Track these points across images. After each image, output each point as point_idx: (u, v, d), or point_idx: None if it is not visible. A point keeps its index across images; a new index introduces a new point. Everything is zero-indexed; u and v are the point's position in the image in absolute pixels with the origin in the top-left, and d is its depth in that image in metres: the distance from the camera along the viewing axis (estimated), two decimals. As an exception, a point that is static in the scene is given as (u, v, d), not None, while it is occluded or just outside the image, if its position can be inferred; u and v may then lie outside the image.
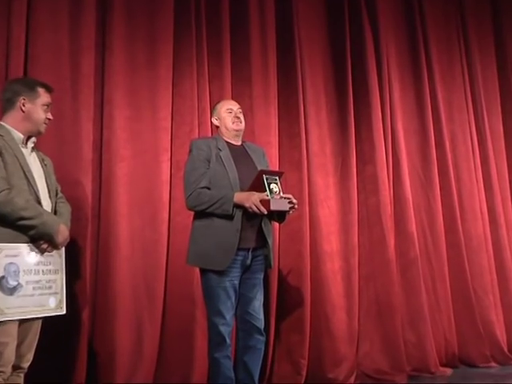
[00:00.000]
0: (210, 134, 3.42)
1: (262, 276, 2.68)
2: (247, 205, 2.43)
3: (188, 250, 2.58)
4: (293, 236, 3.56)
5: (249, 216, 2.47)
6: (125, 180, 3.21)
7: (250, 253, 2.56)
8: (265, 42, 3.68)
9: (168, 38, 3.40)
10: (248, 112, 3.53)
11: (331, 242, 3.66)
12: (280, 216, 2.65)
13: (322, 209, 3.66)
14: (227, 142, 2.71)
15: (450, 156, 4.05)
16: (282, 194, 2.48)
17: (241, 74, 3.61)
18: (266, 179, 2.44)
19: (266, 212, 2.42)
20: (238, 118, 2.70)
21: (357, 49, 3.93)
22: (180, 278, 3.26)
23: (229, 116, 2.70)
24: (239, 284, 2.58)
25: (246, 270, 2.61)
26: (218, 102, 2.84)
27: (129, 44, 3.32)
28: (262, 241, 2.58)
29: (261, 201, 2.43)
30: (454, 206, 3.94)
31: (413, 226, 3.84)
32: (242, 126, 2.71)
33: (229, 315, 2.51)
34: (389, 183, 3.84)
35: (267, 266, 2.63)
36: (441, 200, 3.93)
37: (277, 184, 2.46)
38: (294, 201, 2.53)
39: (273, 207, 2.42)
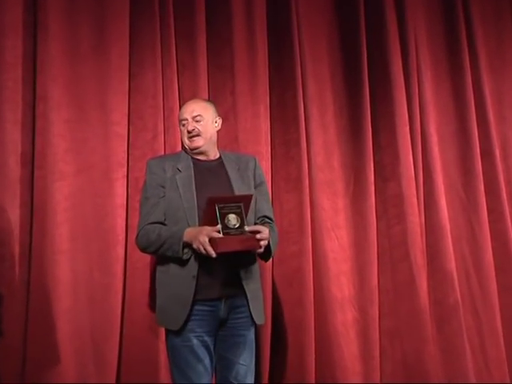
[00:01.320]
0: (178, 143, 3.43)
1: (250, 333, 2.68)
2: (194, 246, 2.48)
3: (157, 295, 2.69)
4: (290, 278, 3.58)
5: (213, 257, 2.47)
6: (65, 205, 3.23)
7: (223, 303, 2.60)
8: (251, 21, 3.71)
9: (123, 14, 3.42)
10: (230, 113, 3.55)
11: (342, 286, 3.66)
12: (263, 252, 2.63)
13: (329, 241, 3.68)
14: (194, 159, 2.74)
15: (500, 168, 4.05)
16: (245, 227, 2.47)
17: (220, 62, 3.64)
18: (220, 209, 2.43)
19: (213, 255, 2.43)
20: (191, 132, 2.72)
21: (375, 29, 3.95)
22: (140, 337, 3.27)
23: (183, 130, 2.76)
24: (215, 342, 2.60)
25: (222, 324, 2.62)
26: (180, 108, 2.89)
27: (69, 22, 3.34)
28: (239, 288, 2.60)
29: (210, 239, 2.46)
30: (508, 236, 3.94)
31: (452, 264, 3.84)
32: (200, 142, 2.72)
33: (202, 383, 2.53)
34: (418, 206, 3.86)
35: (254, 321, 2.64)
36: (489, 228, 3.94)
37: (238, 214, 2.45)
38: (260, 236, 2.50)
39: (220, 248, 2.42)
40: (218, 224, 2.42)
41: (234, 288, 2.59)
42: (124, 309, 3.29)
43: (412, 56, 4.01)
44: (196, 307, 2.55)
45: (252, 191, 2.72)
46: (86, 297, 3.23)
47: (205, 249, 2.43)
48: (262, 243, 2.52)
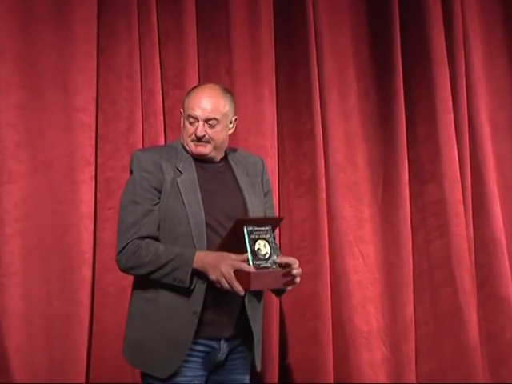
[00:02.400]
0: (161, 135, 3.43)
1: (246, 379, 2.71)
2: (213, 277, 2.45)
3: (124, 336, 2.65)
4: (303, 306, 3.59)
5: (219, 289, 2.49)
6: (16, 214, 3.22)
7: (222, 344, 2.61)
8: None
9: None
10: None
11: (368, 317, 3.67)
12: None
13: (351, 259, 3.68)
14: (195, 158, 2.69)
15: None
16: (275, 257, 2.47)
17: (212, 32, 3.63)
18: (249, 233, 2.43)
19: (242, 292, 2.43)
20: (200, 138, 2.63)
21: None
22: (111, 381, 3.26)
23: (189, 128, 2.67)
24: None
25: (217, 367, 2.63)
26: (192, 90, 2.75)
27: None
28: (244, 327, 2.61)
29: (236, 272, 2.43)
30: None
31: (509, 289, 3.83)
32: (207, 150, 2.66)
33: None
34: (465, 215, 3.86)
35: (253, 365, 2.68)
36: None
37: (268, 241, 2.46)
38: (296, 271, 2.51)
39: (254, 286, 2.42)
40: (245, 251, 2.41)
41: (239, 328, 2.61)
42: (91, 346, 3.29)
43: (457, 24, 3.98)
44: (190, 346, 2.53)
45: (263, 204, 2.75)
46: (43, 331, 3.21)
47: (230, 284, 2.41)
48: (297, 280, 2.52)
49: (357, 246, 3.72)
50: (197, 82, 3.46)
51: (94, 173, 3.35)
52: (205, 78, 3.51)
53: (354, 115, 3.83)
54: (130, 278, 2.67)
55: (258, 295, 2.66)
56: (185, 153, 2.68)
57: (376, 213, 3.80)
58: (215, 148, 2.66)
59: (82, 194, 3.31)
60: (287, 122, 3.72)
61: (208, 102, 2.63)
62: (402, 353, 3.68)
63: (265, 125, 3.62)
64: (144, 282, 2.58)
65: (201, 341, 2.55)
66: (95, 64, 3.39)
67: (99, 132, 3.40)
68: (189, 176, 2.61)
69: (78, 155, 3.32)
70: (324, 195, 3.64)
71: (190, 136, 2.64)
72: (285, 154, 3.71)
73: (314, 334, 3.54)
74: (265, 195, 2.79)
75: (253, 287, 2.41)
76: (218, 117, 2.62)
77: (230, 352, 2.62)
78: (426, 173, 3.85)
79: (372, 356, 3.63)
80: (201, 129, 2.61)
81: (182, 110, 2.71)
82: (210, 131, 2.62)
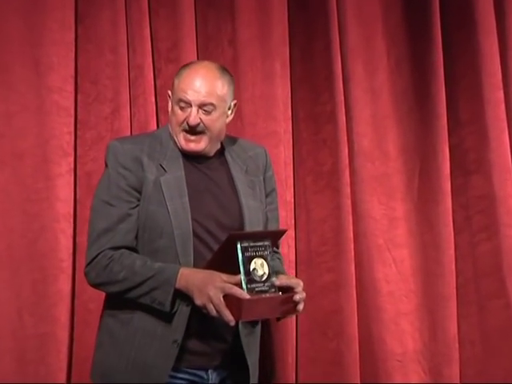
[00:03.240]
0: (153, 119, 3.43)
1: None
2: (199, 302, 2.43)
3: (93, 358, 2.72)
4: (324, 323, 3.60)
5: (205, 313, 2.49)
6: (-20, 215, 3.24)
7: (211, 374, 2.65)
8: None
9: None
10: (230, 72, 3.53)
11: (403, 335, 3.67)
12: None
13: (382, 266, 3.69)
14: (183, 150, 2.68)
15: None
16: (274, 278, 2.46)
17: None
18: (243, 250, 2.42)
19: (232, 323, 2.41)
20: (193, 127, 2.60)
21: None
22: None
23: (179, 115, 2.63)
24: None
25: None
26: (183, 69, 2.72)
27: None
28: (237, 355, 2.63)
29: (227, 297, 2.40)
30: None
31: None
32: (201, 145, 2.63)
33: None
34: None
35: None
36: None
37: (266, 259, 2.44)
38: (298, 297, 2.49)
39: (246, 316, 2.41)
40: (238, 272, 2.39)
41: (231, 356, 2.63)
42: (70, 372, 3.30)
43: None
44: (172, 373, 2.54)
45: (262, 209, 2.74)
46: (14, 355, 3.22)
47: (218, 311, 2.39)
48: (300, 308, 2.50)
49: (388, 250, 3.72)
50: (194, 57, 3.45)
51: (72, 165, 3.35)
52: (204, 51, 3.51)
53: (384, 93, 3.83)
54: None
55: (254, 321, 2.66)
56: (171, 145, 2.66)
57: (411, 210, 3.80)
58: (211, 140, 2.64)
59: (58, 191, 3.31)
60: (303, 102, 3.72)
61: (203, 84, 2.60)
62: (444, 378, 3.68)
63: (276, 106, 3.62)
64: (117, 300, 2.59)
65: (184, 369, 2.56)
66: (73, 35, 3.39)
67: (78, 117, 3.40)
68: (174, 175, 2.60)
69: (53, 144, 3.32)
70: (348, 190, 3.64)
71: (180, 124, 2.62)
72: (301, 140, 3.71)
73: (337, 356, 3.56)
74: (267, 196, 2.79)
75: (245, 317, 2.40)
76: (214, 102, 2.60)
77: (220, 382, 2.64)
78: (470, 162, 3.86)
79: (408, 381, 3.64)
80: (194, 116, 2.59)
81: (170, 93, 2.69)
82: (205, 119, 2.60)
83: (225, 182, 2.69)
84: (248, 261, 2.41)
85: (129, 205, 2.57)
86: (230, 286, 2.39)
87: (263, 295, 2.42)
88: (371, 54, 3.83)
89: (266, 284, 2.43)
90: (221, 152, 2.74)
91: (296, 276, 2.71)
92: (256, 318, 2.50)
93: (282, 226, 3.00)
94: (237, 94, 3.49)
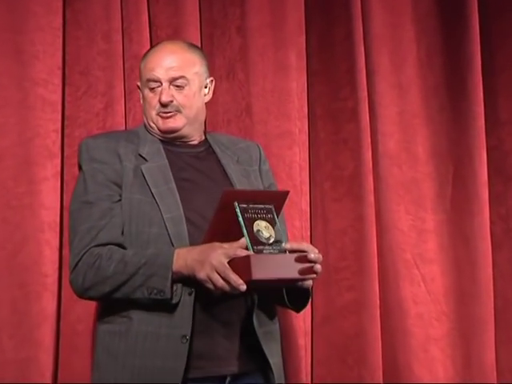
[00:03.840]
0: None
1: None
2: (202, 275, 2.42)
3: (91, 374, 2.72)
4: (344, 349, 3.59)
5: (214, 299, 2.49)
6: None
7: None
8: None
9: None
10: (236, 64, 3.58)
11: (434, 363, 3.65)
12: (293, 292, 2.61)
13: (409, 285, 3.68)
14: (166, 142, 2.72)
15: None
16: (282, 242, 2.45)
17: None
18: (243, 211, 2.42)
19: (242, 286, 2.37)
20: (167, 105, 2.67)
21: None
22: None
23: (151, 98, 2.70)
24: None
25: None
26: (147, 52, 2.81)
27: None
28: (257, 357, 2.60)
29: (232, 262, 2.39)
30: None
31: None
32: (179, 122, 2.69)
33: None
34: None
35: None
36: None
37: (270, 221, 2.44)
38: (314, 256, 2.45)
39: (258, 274, 2.35)
40: (242, 235, 2.39)
41: (249, 359, 2.60)
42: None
43: None
44: None
45: None
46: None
47: (225, 278, 2.37)
48: (318, 268, 2.45)
49: (417, 266, 3.71)
50: (198, 44, 3.43)
51: (59, 168, 3.36)
52: (208, 39, 3.53)
53: (413, 88, 3.83)
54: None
55: (269, 309, 2.64)
56: (150, 136, 2.72)
57: (443, 222, 3.79)
58: (188, 120, 2.71)
59: (42, 197, 3.31)
60: (321, 97, 3.73)
61: (171, 59, 2.70)
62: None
63: (291, 102, 3.62)
64: (111, 310, 2.59)
65: (195, 378, 2.52)
66: (60, 20, 3.40)
67: (66, 113, 3.42)
68: (157, 163, 2.65)
69: (38, 144, 3.32)
70: (372, 198, 3.64)
71: (154, 108, 2.69)
72: (318, 141, 3.71)
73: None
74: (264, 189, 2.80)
75: (256, 275, 2.34)
76: (186, 75, 2.69)
77: None
78: (511, 167, 3.86)
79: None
80: (166, 92, 2.67)
81: (138, 83, 2.77)
82: (178, 96, 2.68)
83: (215, 171, 2.72)
84: (250, 223, 2.41)
85: (110, 199, 2.59)
86: (233, 248, 2.39)
87: (270, 254, 2.42)
88: (399, 43, 3.83)
89: (275, 247, 2.43)
90: (206, 144, 2.78)
91: (311, 295, 2.66)
92: (269, 279, 2.40)
93: (296, 238, 2.99)
94: (245, 89, 3.59)
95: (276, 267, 2.41)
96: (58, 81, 3.38)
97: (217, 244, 2.42)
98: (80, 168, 2.67)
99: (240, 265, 2.36)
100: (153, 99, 2.68)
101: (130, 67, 3.44)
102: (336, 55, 3.73)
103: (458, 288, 3.76)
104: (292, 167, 3.50)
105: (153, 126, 2.71)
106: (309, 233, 3.61)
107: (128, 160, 2.62)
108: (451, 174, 3.82)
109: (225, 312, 2.52)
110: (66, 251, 3.28)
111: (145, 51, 3.35)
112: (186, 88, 2.68)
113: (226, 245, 2.41)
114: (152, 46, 2.86)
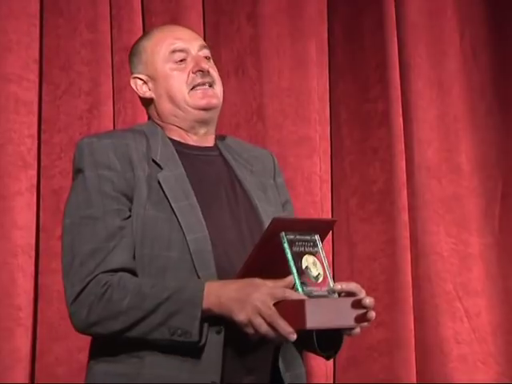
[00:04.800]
0: (144, 119, 3.35)
1: None
2: (242, 317, 2.39)
3: None
4: None
5: (244, 344, 2.46)
6: None
7: None
8: None
9: None
10: (247, 58, 3.60)
11: None
12: (326, 339, 2.58)
13: (450, 320, 3.70)
14: (175, 142, 2.70)
15: None
16: (330, 281, 2.43)
17: None
18: (290, 243, 2.40)
19: (293, 336, 2.35)
20: (206, 74, 2.66)
21: None
22: None
23: (182, 69, 2.67)
24: None
25: None
26: (146, 35, 2.79)
27: None
28: None
29: (278, 305, 2.36)
30: None
31: None
32: (215, 99, 2.68)
33: None
34: None
35: None
36: None
37: (317, 256, 2.43)
38: (368, 301, 2.41)
39: (312, 322, 2.33)
40: (283, 276, 2.36)
41: None
42: None
43: None
44: None
45: (281, 214, 2.71)
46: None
47: (271, 324, 2.35)
48: (372, 316, 2.43)
49: (459, 299, 3.72)
50: (200, 33, 3.44)
51: (35, 180, 3.39)
52: (214, 29, 3.58)
53: (455, 87, 3.86)
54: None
55: (295, 351, 2.64)
56: (160, 137, 2.69)
57: (490, 246, 3.82)
58: (219, 101, 2.71)
59: (15, 216, 3.33)
60: (347, 98, 3.76)
61: (188, 30, 2.77)
62: None
63: (310, 104, 3.65)
64: (113, 347, 2.53)
65: None
66: (37, 6, 3.43)
67: (44, 115, 3.45)
68: (173, 172, 2.61)
69: (10, 152, 3.35)
70: (406, 217, 3.67)
71: (184, 83, 2.66)
72: (343, 150, 3.74)
73: None
74: (282, 207, 2.80)
75: (311, 324, 2.32)
76: (209, 53, 2.73)
77: None
78: None
79: None
80: (201, 58, 2.68)
81: (138, 75, 2.71)
82: (211, 68, 2.70)
83: (230, 182, 2.72)
84: (298, 258, 2.39)
85: (119, 215, 2.53)
86: (281, 289, 2.37)
87: (326, 298, 2.43)
88: (438, 34, 3.86)
89: (324, 288, 2.42)
90: (215, 147, 2.77)
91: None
92: (323, 327, 2.41)
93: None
94: (257, 87, 3.60)
95: (331, 314, 2.41)
96: (33, 77, 3.41)
97: (259, 281, 2.40)
98: (77, 174, 2.59)
99: (290, 310, 2.36)
100: (182, 74, 2.66)
101: (119, 61, 3.47)
102: (364, 48, 3.76)
103: (507, 325, 3.78)
104: (311, 180, 3.53)
105: (185, 107, 2.67)
106: (331, 259, 3.63)
107: (141, 168, 2.57)
108: (499, 189, 3.86)
109: (250, 354, 2.51)
110: (43, 280, 3.32)
111: (134, 39, 3.41)
112: (212, 62, 2.72)
113: (269, 282, 2.39)
114: (149, 32, 2.83)
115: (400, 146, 3.68)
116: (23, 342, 3.29)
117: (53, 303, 3.31)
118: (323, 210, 3.59)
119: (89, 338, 2.62)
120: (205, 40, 3.40)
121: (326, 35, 3.73)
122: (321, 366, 3.47)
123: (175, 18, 3.50)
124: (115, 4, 3.49)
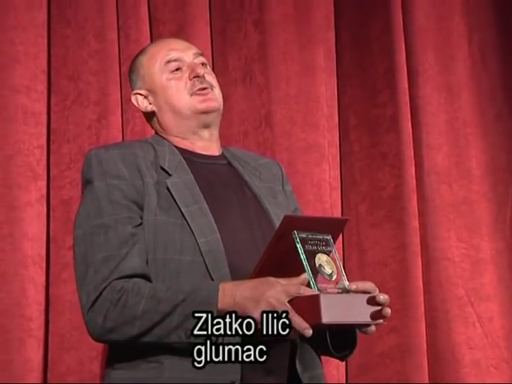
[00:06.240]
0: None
1: None
2: (255, 314, 2.38)
3: None
4: None
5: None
6: None
7: None
8: None
9: None
10: (253, 65, 3.60)
11: None
12: (340, 340, 2.60)
13: (463, 326, 3.68)
14: (183, 150, 2.72)
15: None
16: (344, 278, 2.43)
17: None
18: (303, 242, 2.40)
19: (308, 331, 2.35)
20: (203, 79, 2.69)
21: None
22: None
23: (178, 79, 2.71)
24: None
25: None
26: (142, 51, 2.82)
27: None
28: None
29: (293, 301, 2.37)
30: None
31: None
32: (215, 103, 2.72)
33: None
34: None
35: None
36: None
37: (330, 255, 2.43)
38: (384, 298, 2.41)
39: (328, 318, 2.33)
40: (304, 271, 2.36)
41: None
42: None
43: None
44: None
45: None
46: None
47: (288, 321, 2.36)
48: (388, 312, 2.43)
49: (471, 304, 3.71)
50: (207, 43, 3.52)
51: (44, 191, 3.39)
52: (220, 36, 3.56)
53: (464, 92, 3.85)
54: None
55: (316, 361, 2.62)
56: (167, 145, 2.71)
57: (502, 251, 3.80)
58: (219, 104, 2.73)
59: (25, 226, 3.34)
60: (355, 104, 3.76)
61: (184, 42, 2.79)
62: None
63: (319, 110, 3.65)
64: (130, 353, 2.52)
65: None
66: (45, 16, 3.44)
67: (52, 125, 3.45)
68: (182, 178, 2.63)
69: (19, 163, 3.36)
70: (416, 223, 3.66)
71: (184, 89, 2.70)
72: (352, 156, 3.74)
73: None
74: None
75: (326, 318, 2.32)
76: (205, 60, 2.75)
77: None
78: None
79: None
80: (197, 65, 2.71)
81: (138, 93, 2.74)
82: (206, 72, 2.72)
83: (239, 188, 2.73)
84: (311, 256, 2.39)
85: (131, 222, 2.54)
86: (295, 286, 2.37)
87: (338, 294, 2.41)
88: (446, 38, 3.86)
89: (338, 286, 2.42)
90: (223, 157, 2.78)
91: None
92: (338, 323, 2.38)
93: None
94: (265, 94, 3.61)
95: (347, 310, 2.39)
96: (42, 88, 3.42)
97: (272, 279, 2.39)
98: (87, 185, 2.61)
99: (304, 306, 2.35)
100: (179, 82, 2.71)
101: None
102: (372, 53, 3.76)
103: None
104: (321, 187, 3.53)
105: (186, 112, 2.70)
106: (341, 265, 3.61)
107: (150, 175, 2.59)
108: (510, 193, 3.85)
109: (274, 354, 2.47)
110: (54, 290, 3.32)
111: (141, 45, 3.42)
112: (209, 68, 2.75)
113: (282, 280, 2.39)
114: (147, 45, 2.88)
115: (409, 152, 3.68)
116: (35, 353, 3.29)
117: (64, 314, 3.30)
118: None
119: (100, 348, 2.65)
120: (212, 48, 3.45)
121: (333, 41, 3.73)
122: (333, 373, 3.45)
123: (182, 27, 3.52)
124: (122, 13, 3.49)
